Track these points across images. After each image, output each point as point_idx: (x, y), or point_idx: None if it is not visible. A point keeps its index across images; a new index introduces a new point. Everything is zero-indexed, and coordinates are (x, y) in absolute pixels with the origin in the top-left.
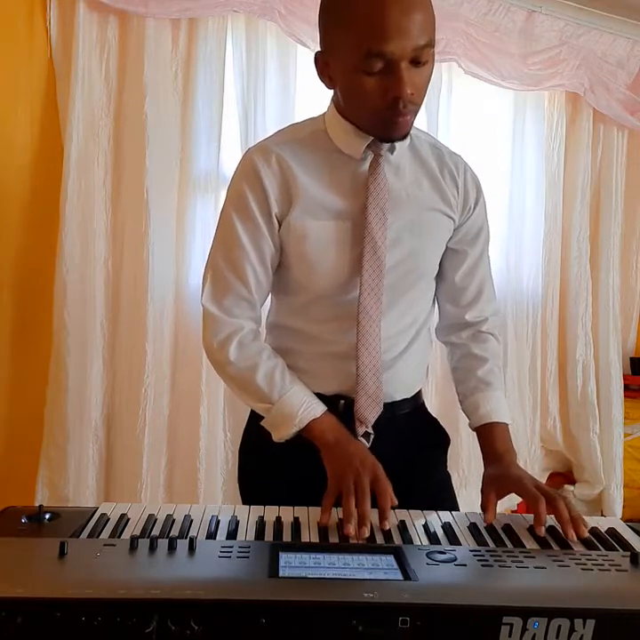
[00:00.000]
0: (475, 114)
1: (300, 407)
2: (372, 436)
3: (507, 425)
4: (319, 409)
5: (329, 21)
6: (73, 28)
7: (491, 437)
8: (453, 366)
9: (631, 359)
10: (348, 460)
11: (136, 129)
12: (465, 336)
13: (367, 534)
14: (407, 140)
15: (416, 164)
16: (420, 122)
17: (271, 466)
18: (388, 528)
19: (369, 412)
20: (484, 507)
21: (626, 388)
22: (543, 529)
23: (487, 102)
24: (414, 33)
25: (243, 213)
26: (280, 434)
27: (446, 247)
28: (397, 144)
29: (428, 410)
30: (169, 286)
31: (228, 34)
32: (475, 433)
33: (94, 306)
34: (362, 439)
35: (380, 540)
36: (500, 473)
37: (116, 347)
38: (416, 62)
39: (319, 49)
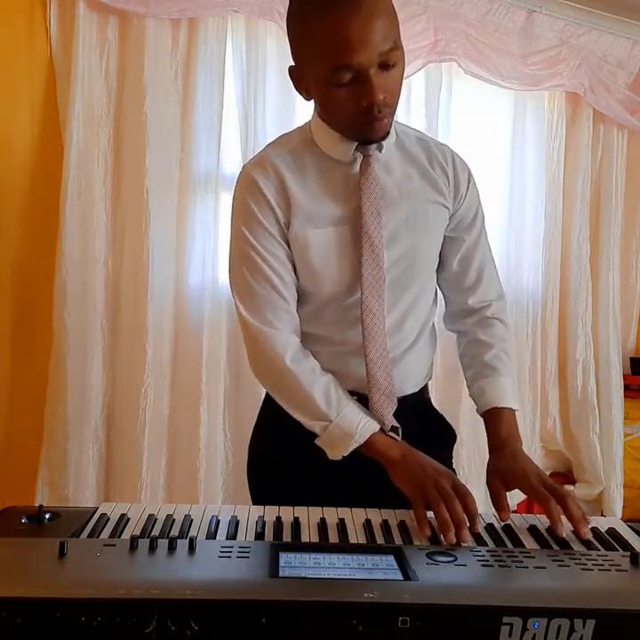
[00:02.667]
0: (475, 114)
1: (358, 423)
2: (400, 430)
3: (512, 410)
4: (377, 424)
5: (295, 38)
6: (73, 28)
7: (494, 423)
8: (461, 353)
9: (631, 359)
10: (422, 470)
11: (136, 129)
12: (470, 322)
13: (467, 538)
14: (393, 137)
15: (405, 159)
16: (420, 122)
17: (286, 464)
18: (479, 531)
19: (384, 409)
20: (495, 504)
21: (626, 387)
22: (563, 531)
23: (487, 102)
24: (377, 40)
25: (253, 226)
26: (337, 451)
27: (444, 236)
28: (384, 142)
29: (434, 405)
30: (169, 286)
31: (228, 34)
32: (477, 428)
33: (94, 306)
34: (392, 434)
35: (380, 540)
36: (505, 466)
37: (116, 347)
38: (384, 66)
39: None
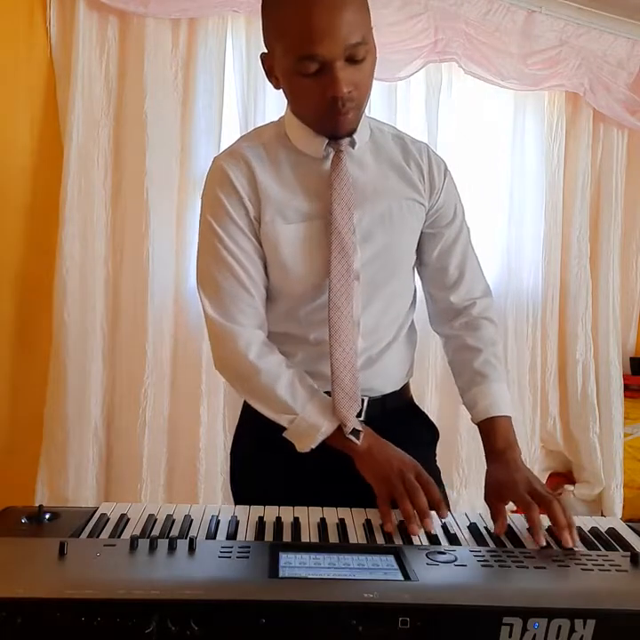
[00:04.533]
0: (475, 114)
1: (324, 416)
2: (362, 433)
3: (508, 418)
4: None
5: (266, 26)
6: (73, 28)
7: (491, 433)
8: (450, 359)
9: (631, 359)
10: (388, 462)
11: (136, 129)
12: (457, 325)
13: (431, 527)
14: (367, 133)
15: (380, 156)
16: (420, 122)
17: (266, 466)
18: (446, 515)
19: (347, 410)
20: (493, 518)
21: (626, 387)
22: (543, 539)
23: (487, 102)
24: (344, 33)
25: (223, 220)
26: (305, 444)
27: (422, 232)
28: (357, 138)
29: (418, 405)
30: (169, 286)
31: (227, 34)
32: (477, 428)
33: (94, 306)
34: (351, 437)
35: (380, 540)
36: (500, 478)
37: (116, 347)
38: (352, 60)
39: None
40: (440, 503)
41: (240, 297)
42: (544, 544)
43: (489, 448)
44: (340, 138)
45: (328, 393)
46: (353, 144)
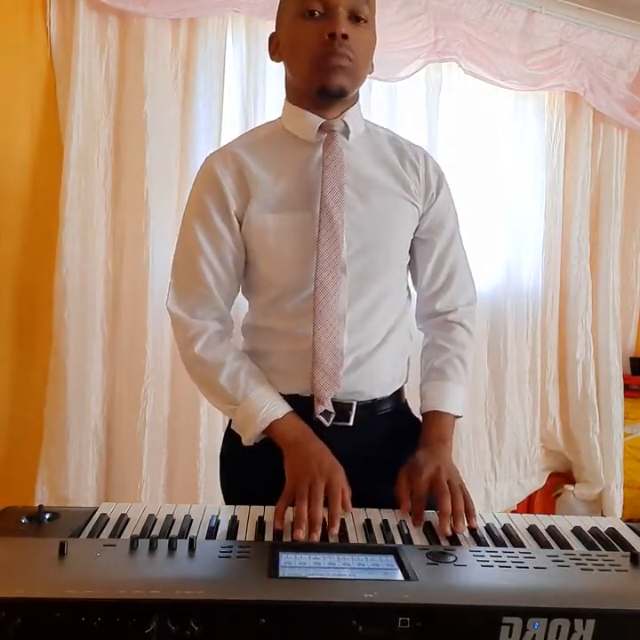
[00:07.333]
0: (475, 114)
1: (262, 408)
2: (333, 416)
3: (451, 416)
4: (282, 410)
5: None
6: (73, 28)
7: (428, 425)
8: (420, 354)
9: (631, 359)
10: (306, 462)
11: (136, 129)
12: (433, 324)
13: (315, 538)
14: (361, 127)
15: (375, 155)
16: (420, 122)
17: (255, 470)
18: (335, 533)
19: (325, 390)
20: (400, 498)
21: (626, 387)
22: (448, 528)
23: (487, 102)
24: None
25: (201, 218)
26: (246, 436)
27: (415, 237)
28: (351, 128)
29: (411, 409)
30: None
31: (227, 34)
32: (477, 430)
33: (94, 306)
34: (321, 418)
35: (380, 540)
36: (420, 461)
37: (116, 347)
38: (355, 17)
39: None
40: (333, 519)
41: (201, 294)
42: (449, 533)
43: (422, 437)
44: (331, 92)
45: (311, 397)
46: (346, 133)
